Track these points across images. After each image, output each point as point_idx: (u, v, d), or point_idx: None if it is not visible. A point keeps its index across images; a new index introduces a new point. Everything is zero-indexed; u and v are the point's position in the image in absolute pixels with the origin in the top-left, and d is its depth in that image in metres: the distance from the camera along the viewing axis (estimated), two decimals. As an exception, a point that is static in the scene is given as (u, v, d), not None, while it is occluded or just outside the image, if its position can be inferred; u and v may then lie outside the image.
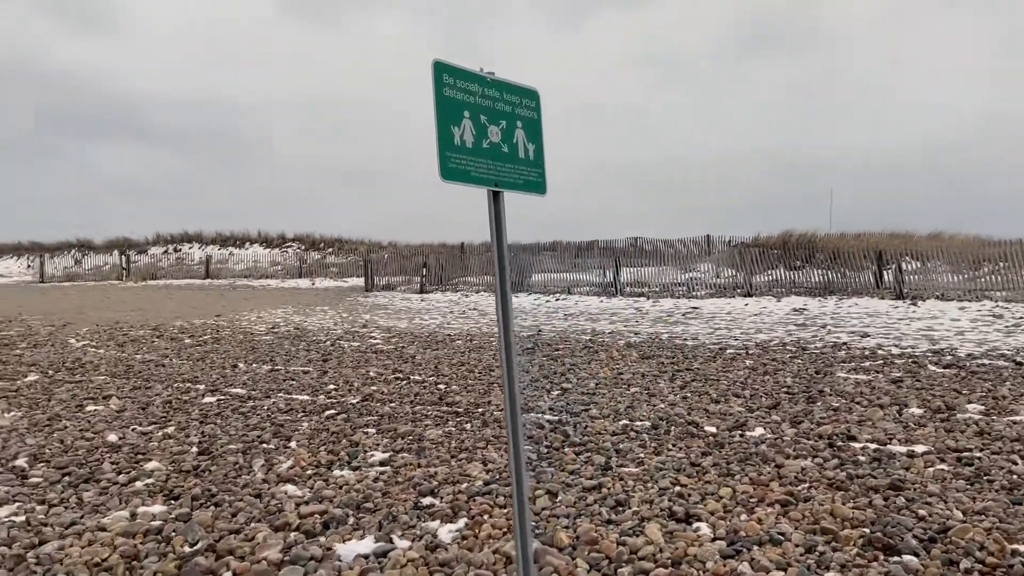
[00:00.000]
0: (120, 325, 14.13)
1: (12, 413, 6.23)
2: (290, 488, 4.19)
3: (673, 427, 5.46)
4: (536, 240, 23.65)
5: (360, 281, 26.60)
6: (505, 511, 3.75)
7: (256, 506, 3.92)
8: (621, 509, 3.81)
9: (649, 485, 4.16)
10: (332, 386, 7.47)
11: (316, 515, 3.74)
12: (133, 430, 5.60)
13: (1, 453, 4.90)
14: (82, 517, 3.76)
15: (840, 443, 4.95)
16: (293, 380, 7.83)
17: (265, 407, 6.41)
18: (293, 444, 5.14)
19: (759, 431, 5.32)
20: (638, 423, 5.64)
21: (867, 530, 3.43)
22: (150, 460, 4.77)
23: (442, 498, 4.02)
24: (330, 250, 38.27)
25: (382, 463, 4.67)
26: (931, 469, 4.35)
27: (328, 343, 11.15)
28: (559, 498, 3.99)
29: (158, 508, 3.91)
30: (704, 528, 3.53)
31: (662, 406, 6.22)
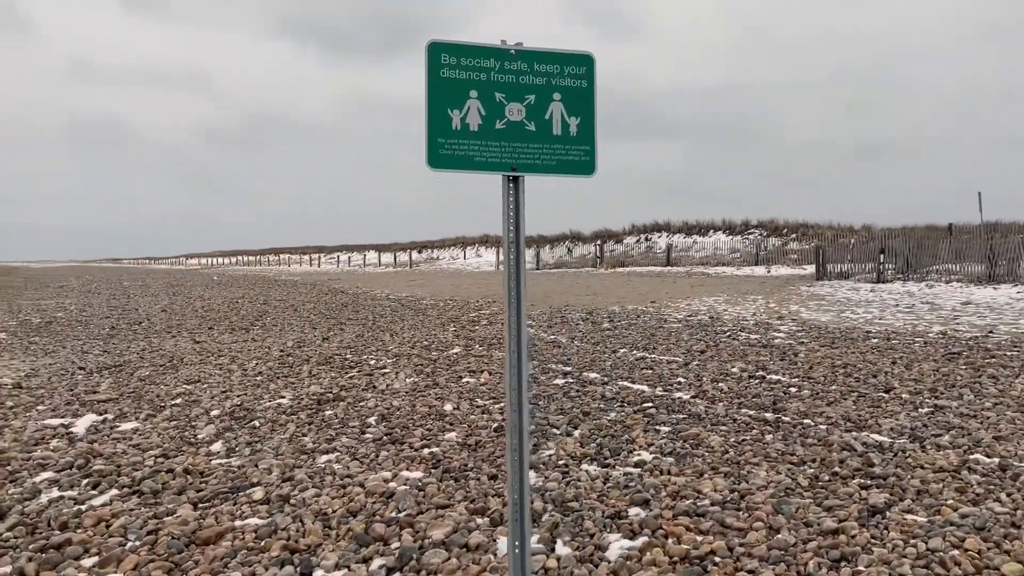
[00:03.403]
0: (566, 308, 15.76)
1: (412, 379, 7.47)
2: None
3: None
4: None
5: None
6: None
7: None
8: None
9: None
10: (681, 378, 7.10)
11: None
12: (458, 408, 6.17)
13: (363, 411, 5.92)
14: (359, 473, 4.30)
15: None
16: (649, 369, 7.66)
17: (600, 392, 6.40)
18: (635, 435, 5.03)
19: None
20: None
21: None
22: (452, 431, 5.19)
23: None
24: (793, 236, 36.38)
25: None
26: None
27: (727, 335, 10.61)
28: None
29: (417, 474, 4.23)
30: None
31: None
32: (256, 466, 4.24)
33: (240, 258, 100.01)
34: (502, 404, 5.94)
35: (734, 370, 7.53)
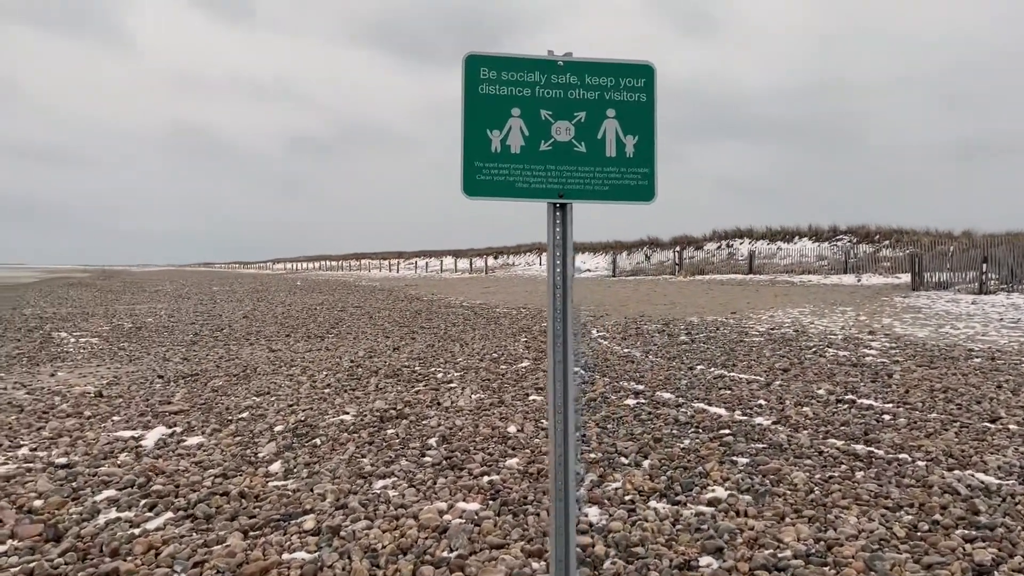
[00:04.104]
0: (641, 318, 15.34)
1: (477, 395, 7.30)
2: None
3: None
4: None
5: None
6: None
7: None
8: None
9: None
10: (762, 400, 6.66)
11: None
12: (522, 430, 5.94)
13: (425, 430, 5.77)
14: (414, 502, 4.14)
15: None
16: (728, 389, 7.25)
17: (674, 415, 6.06)
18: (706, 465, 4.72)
19: None
20: None
21: None
22: (514, 456, 4.97)
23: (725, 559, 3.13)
24: (886, 242, 34.60)
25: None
26: None
27: (813, 351, 10.01)
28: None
29: (473, 506, 4.04)
30: None
31: None
32: (311, 490, 4.13)
33: (323, 263, 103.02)
34: (569, 426, 5.68)
35: (820, 392, 7.03)
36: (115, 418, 6.11)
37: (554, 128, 2.04)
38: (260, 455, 4.90)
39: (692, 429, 5.59)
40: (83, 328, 14.34)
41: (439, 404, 6.52)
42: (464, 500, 3.98)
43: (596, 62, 2.09)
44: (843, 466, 4.57)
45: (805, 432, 5.48)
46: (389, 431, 5.53)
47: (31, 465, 4.68)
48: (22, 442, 5.31)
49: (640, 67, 2.11)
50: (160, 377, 8.21)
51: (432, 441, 5.21)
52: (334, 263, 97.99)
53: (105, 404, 6.69)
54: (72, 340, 12.27)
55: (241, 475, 4.43)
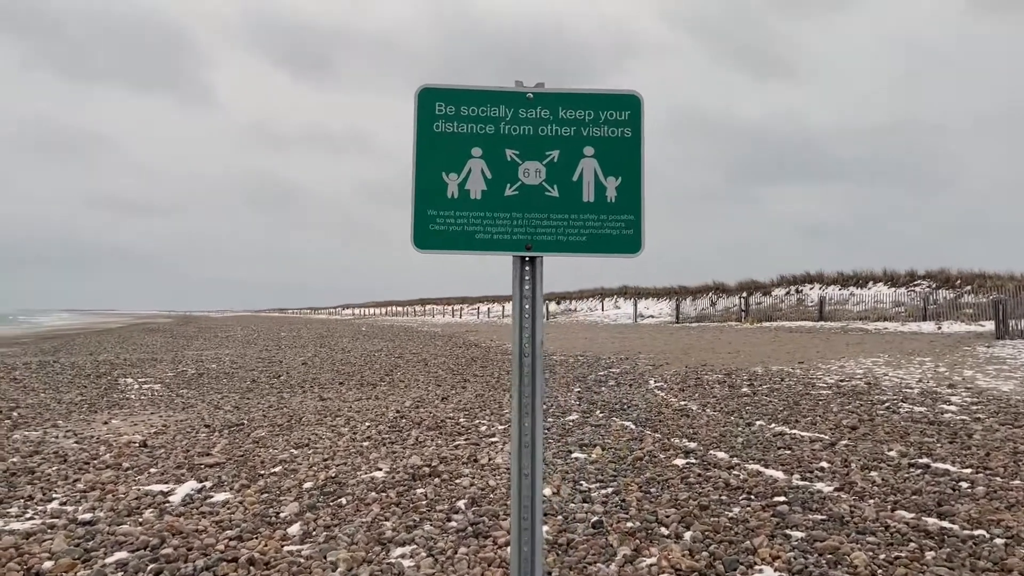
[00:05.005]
0: (702, 367, 14.77)
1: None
2: None
3: None
4: None
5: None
6: None
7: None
8: None
9: None
10: (825, 462, 6.15)
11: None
12: (558, 492, 5.61)
13: (456, 491, 5.51)
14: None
15: None
16: (787, 449, 6.73)
17: (725, 478, 5.62)
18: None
19: None
20: None
21: None
22: (545, 523, 4.66)
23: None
24: (967, 288, 32.80)
25: None
26: None
27: (885, 406, 9.32)
28: None
29: (495, 580, 3.75)
30: None
31: None
32: (324, 558, 3.92)
33: (390, 308, 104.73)
34: (611, 489, 5.33)
35: (891, 454, 6.46)
36: (152, 470, 6.07)
37: (521, 169, 1.78)
38: (282, 515, 4.73)
39: (743, 495, 5.15)
40: (148, 374, 14.72)
41: (476, 461, 6.26)
42: (483, 575, 3.69)
43: (571, 93, 1.82)
44: (911, 544, 4.08)
45: (871, 502, 4.98)
46: (419, 490, 5.29)
47: (55, 521, 4.63)
48: (55, 495, 5.30)
49: (624, 97, 1.79)
50: (206, 426, 8.22)
51: (461, 503, 4.95)
52: (400, 308, 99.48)
53: (146, 455, 6.69)
54: (135, 386, 12.56)
55: (257, 538, 4.26)
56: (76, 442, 7.36)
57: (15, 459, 6.50)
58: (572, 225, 1.81)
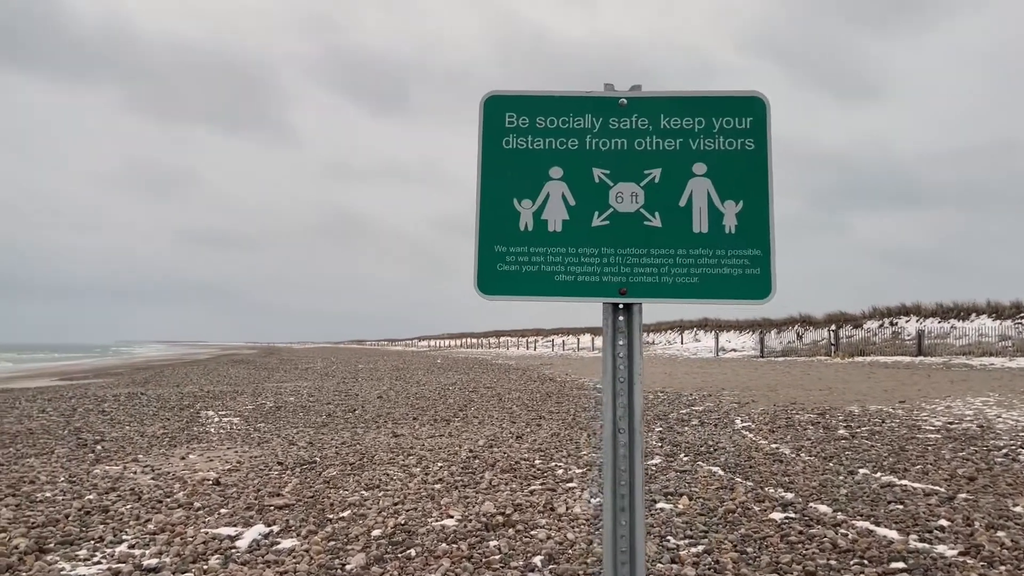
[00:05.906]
0: (792, 406, 13.93)
1: (598, 499, 6.58)
2: None
3: None
4: None
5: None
6: None
7: None
8: None
9: None
10: (944, 520, 5.48)
11: None
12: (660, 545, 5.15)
13: (531, 544, 5.14)
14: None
15: None
16: (899, 503, 6.06)
17: (831, 538, 5.05)
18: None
19: None
20: None
21: None
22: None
23: None
24: (1084, 320, 30.33)
25: None
26: None
27: (1004, 453, 8.42)
28: None
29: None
30: None
31: None
32: (390, 621, 3.61)
33: (465, 340, 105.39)
34: (701, 547, 4.85)
35: (1017, 510, 5.71)
36: (222, 511, 5.94)
37: (613, 193, 1.43)
38: (347, 567, 4.46)
39: (855, 559, 4.58)
40: (229, 407, 14.96)
41: (552, 510, 5.87)
42: (562, 648, 3.30)
43: (677, 97, 1.44)
44: (1068, 630, 3.46)
45: (1002, 569, 4.34)
46: (491, 543, 4.94)
47: (121, 567, 4.50)
48: (125, 536, 5.21)
49: (745, 100, 1.43)
50: (279, 463, 8.12)
51: (537, 560, 4.57)
52: (474, 340, 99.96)
53: (218, 494, 6.60)
54: (215, 419, 12.73)
55: (320, 594, 4.00)
56: (152, 478, 7.36)
57: (91, 496, 6.51)
58: (680, 263, 1.45)
